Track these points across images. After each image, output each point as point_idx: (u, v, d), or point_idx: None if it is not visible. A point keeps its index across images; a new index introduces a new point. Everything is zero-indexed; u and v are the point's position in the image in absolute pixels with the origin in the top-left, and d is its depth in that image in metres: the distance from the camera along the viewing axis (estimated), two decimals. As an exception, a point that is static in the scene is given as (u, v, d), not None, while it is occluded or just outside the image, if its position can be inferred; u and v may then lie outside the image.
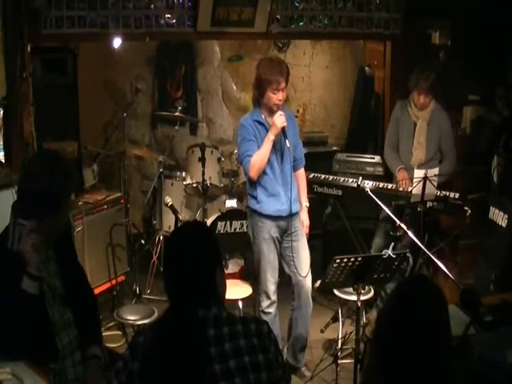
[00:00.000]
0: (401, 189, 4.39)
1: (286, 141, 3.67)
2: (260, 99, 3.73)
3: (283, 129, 3.65)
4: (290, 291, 4.00)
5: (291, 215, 3.82)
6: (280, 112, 3.67)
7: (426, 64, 4.63)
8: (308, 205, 4.02)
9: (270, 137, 3.66)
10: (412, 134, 4.51)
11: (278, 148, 3.76)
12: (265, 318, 3.82)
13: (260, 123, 3.76)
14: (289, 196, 3.79)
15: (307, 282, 3.90)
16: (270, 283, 3.86)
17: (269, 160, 3.71)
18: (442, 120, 4.49)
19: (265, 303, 3.89)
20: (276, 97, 3.66)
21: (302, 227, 3.93)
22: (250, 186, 3.85)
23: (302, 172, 4.05)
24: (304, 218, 3.96)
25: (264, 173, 3.73)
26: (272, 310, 3.90)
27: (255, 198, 3.81)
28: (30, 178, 2.38)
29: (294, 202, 3.82)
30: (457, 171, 4.68)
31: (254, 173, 3.70)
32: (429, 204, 4.13)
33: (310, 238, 4.11)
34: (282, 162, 3.80)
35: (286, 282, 4.01)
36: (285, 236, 3.87)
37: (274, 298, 3.89)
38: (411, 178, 4.43)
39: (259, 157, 3.67)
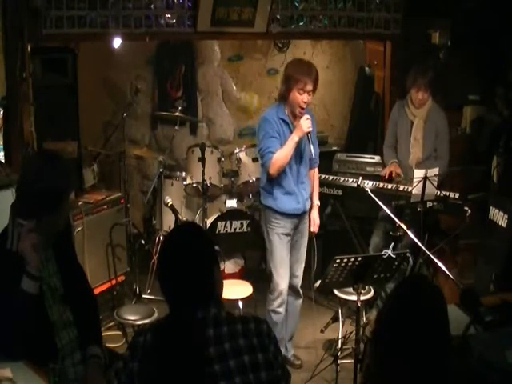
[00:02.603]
0: (385, 186, 4.48)
1: (311, 146, 3.70)
2: (286, 96, 3.73)
3: (308, 133, 3.67)
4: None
5: (304, 213, 3.92)
6: (307, 116, 3.69)
7: (424, 63, 4.63)
8: (319, 204, 4.09)
9: (295, 138, 3.69)
10: (410, 133, 4.53)
11: (298, 149, 3.79)
12: (275, 317, 3.88)
13: (284, 121, 3.78)
14: (303, 195, 3.87)
15: (300, 274, 4.02)
16: (284, 281, 3.90)
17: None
18: (439, 119, 4.50)
19: (277, 302, 3.91)
20: (301, 98, 3.66)
21: (308, 225, 3.99)
22: (267, 182, 3.88)
23: (315, 172, 4.10)
24: (315, 216, 4.03)
25: (282, 171, 3.77)
26: (282, 309, 3.94)
27: (271, 194, 3.85)
28: (28, 178, 2.38)
29: (307, 201, 3.92)
30: (456, 171, 4.68)
31: (274, 170, 3.73)
32: (429, 204, 4.13)
33: (312, 237, 4.13)
34: (301, 164, 3.85)
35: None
36: (295, 231, 3.94)
37: (285, 297, 3.94)
38: (406, 178, 4.45)
39: (282, 155, 3.69)
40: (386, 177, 4.55)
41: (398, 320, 1.78)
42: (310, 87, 3.66)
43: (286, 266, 3.91)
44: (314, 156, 3.77)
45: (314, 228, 4.01)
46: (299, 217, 3.90)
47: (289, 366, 4.02)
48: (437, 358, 1.73)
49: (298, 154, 3.82)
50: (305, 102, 3.69)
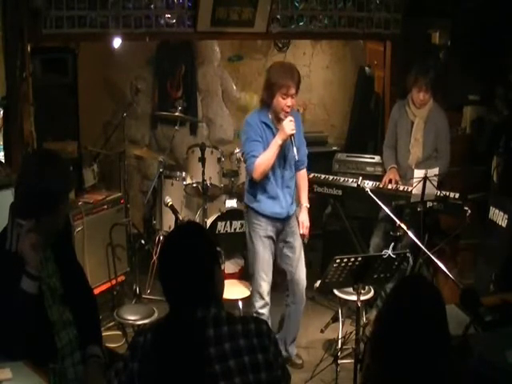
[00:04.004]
0: (385, 186, 4.48)
1: (294, 148, 3.63)
2: (269, 101, 3.69)
3: (291, 135, 3.62)
4: (281, 290, 4.10)
5: (288, 217, 3.87)
6: (290, 118, 3.62)
7: (425, 62, 4.64)
8: (308, 206, 4.02)
9: (278, 141, 3.63)
10: (410, 133, 4.53)
11: (281, 153, 3.73)
12: None
13: (267, 125, 3.73)
14: (287, 199, 3.83)
15: (303, 278, 3.96)
16: (265, 283, 3.87)
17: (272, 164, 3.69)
18: (439, 119, 4.50)
19: (258, 304, 3.90)
20: (285, 102, 3.61)
21: (297, 227, 3.94)
22: (250, 184, 3.85)
23: (303, 173, 4.06)
24: (304, 218, 3.96)
25: (265, 176, 3.73)
26: (265, 311, 3.92)
27: (254, 196, 3.82)
28: (26, 178, 2.38)
29: (291, 206, 3.88)
30: (456, 171, 4.68)
31: (257, 175, 3.69)
32: (429, 204, 4.13)
33: (310, 238, 4.12)
34: (284, 168, 3.81)
35: (276, 282, 4.05)
36: (280, 235, 3.90)
37: (267, 299, 3.91)
38: (406, 180, 4.45)
39: (264, 160, 3.65)
40: (386, 185, 4.53)
41: (397, 321, 1.78)
42: (292, 91, 3.61)
43: (269, 269, 3.88)
44: (297, 159, 3.70)
45: (304, 230, 3.96)
46: (282, 221, 3.85)
47: (290, 365, 4.04)
48: (436, 358, 1.73)
49: (282, 157, 3.75)
50: (289, 106, 3.63)
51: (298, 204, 4.01)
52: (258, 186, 3.78)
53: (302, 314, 4.09)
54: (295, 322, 4.07)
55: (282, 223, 3.86)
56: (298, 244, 3.94)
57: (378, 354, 1.82)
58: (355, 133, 6.30)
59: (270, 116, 3.74)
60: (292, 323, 4.06)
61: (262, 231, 3.82)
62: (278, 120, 3.71)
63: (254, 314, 3.87)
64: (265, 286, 3.87)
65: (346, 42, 6.45)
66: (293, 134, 3.61)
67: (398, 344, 1.76)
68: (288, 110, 3.65)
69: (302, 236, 3.98)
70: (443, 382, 1.75)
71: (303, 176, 4.06)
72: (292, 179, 3.89)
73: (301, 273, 3.95)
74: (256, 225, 3.83)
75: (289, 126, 3.60)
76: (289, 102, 3.62)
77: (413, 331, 1.75)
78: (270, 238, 3.85)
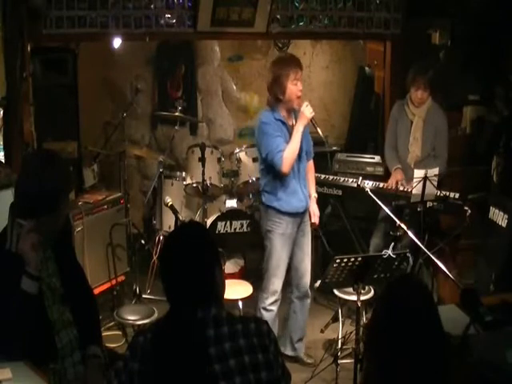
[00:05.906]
0: (392, 187, 4.48)
1: (318, 129, 3.75)
2: (281, 97, 3.71)
3: (312, 118, 3.69)
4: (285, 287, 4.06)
5: (306, 210, 3.92)
6: (306, 102, 3.70)
7: (423, 61, 4.65)
8: (317, 196, 4.08)
9: (299, 128, 3.69)
10: (409, 132, 4.54)
11: None
12: (266, 315, 3.87)
13: (282, 122, 3.77)
14: (304, 192, 3.88)
15: (308, 273, 3.99)
16: (279, 280, 3.90)
17: None
18: (438, 117, 4.51)
19: (269, 300, 3.91)
20: (297, 88, 3.69)
21: (309, 219, 3.98)
22: (269, 183, 3.85)
23: (310, 164, 4.10)
24: (314, 208, 4.01)
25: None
26: (275, 308, 3.93)
27: (275, 195, 3.83)
28: (26, 178, 2.38)
29: (307, 198, 3.93)
30: (456, 171, 4.69)
31: (287, 168, 3.70)
32: (429, 204, 4.13)
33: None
34: (300, 160, 3.84)
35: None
36: (298, 231, 3.93)
37: (279, 296, 3.93)
38: (406, 180, 4.45)
39: (291, 150, 3.68)
40: (393, 187, 4.53)
41: (386, 322, 1.78)
42: (300, 73, 3.70)
43: (284, 267, 3.90)
44: (324, 139, 3.81)
45: (315, 219, 4.00)
46: (301, 215, 3.89)
47: (301, 364, 4.09)
48: (431, 357, 1.73)
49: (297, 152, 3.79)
50: (300, 90, 3.71)
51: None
52: (277, 183, 3.80)
53: (308, 310, 4.10)
54: (301, 318, 4.07)
55: (300, 217, 3.90)
56: (307, 240, 3.98)
57: (372, 355, 1.82)
58: (355, 133, 6.30)
59: (281, 113, 3.78)
60: (298, 319, 4.06)
61: (282, 229, 3.84)
62: (289, 114, 3.77)
63: (262, 310, 3.90)
64: (278, 284, 3.89)
65: (346, 42, 6.45)
66: (313, 117, 3.69)
67: (390, 345, 1.75)
68: (300, 93, 3.71)
69: (313, 225, 4.01)
70: (443, 381, 1.75)
71: (311, 167, 4.10)
72: (304, 171, 3.94)
73: (307, 267, 3.99)
74: (277, 223, 3.84)
75: (307, 110, 3.68)
76: (299, 85, 3.70)
77: (402, 332, 1.74)
78: (289, 235, 3.86)
